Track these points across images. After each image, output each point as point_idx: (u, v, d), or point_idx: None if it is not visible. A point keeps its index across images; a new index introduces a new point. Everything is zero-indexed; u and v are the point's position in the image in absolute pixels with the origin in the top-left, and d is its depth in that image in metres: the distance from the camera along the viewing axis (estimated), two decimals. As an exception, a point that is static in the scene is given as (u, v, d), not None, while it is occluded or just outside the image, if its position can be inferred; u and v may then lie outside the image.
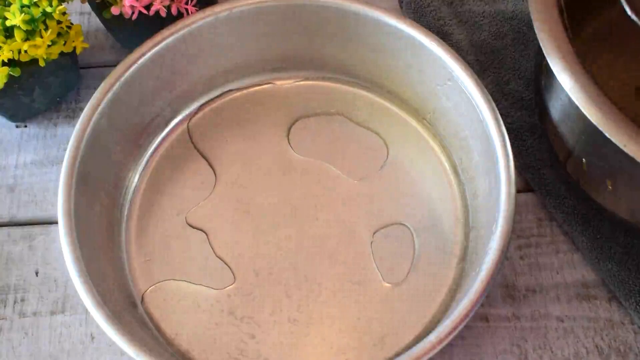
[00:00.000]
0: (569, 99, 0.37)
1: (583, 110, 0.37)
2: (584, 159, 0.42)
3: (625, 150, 0.35)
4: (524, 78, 0.52)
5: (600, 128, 0.36)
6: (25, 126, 0.52)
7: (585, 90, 0.37)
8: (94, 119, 0.43)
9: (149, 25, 0.47)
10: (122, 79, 0.45)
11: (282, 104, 0.51)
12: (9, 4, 0.44)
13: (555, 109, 0.43)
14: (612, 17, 0.50)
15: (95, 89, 0.44)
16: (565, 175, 0.47)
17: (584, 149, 0.42)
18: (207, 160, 0.49)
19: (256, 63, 0.51)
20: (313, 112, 0.51)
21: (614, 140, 0.36)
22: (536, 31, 0.40)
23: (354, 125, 0.50)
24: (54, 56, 0.46)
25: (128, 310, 0.42)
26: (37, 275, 0.46)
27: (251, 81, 0.52)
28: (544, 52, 0.39)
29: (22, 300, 0.45)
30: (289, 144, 0.49)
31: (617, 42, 0.50)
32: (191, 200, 0.47)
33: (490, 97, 0.43)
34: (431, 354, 0.36)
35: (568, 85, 0.38)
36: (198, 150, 0.49)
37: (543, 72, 0.44)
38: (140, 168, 0.48)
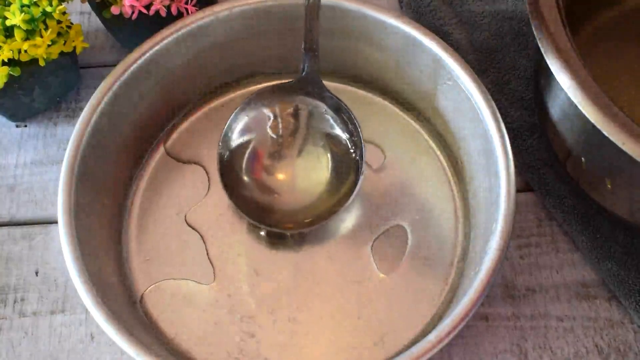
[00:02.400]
0: (568, 98, 0.38)
1: (582, 109, 0.37)
2: (583, 158, 0.42)
3: (624, 149, 0.35)
4: (524, 78, 0.52)
5: (599, 127, 0.36)
6: (25, 126, 0.52)
7: (584, 89, 0.37)
8: (93, 118, 0.43)
9: (149, 25, 0.47)
10: (122, 78, 0.45)
11: (282, 103, 0.51)
12: (9, 4, 0.44)
13: (555, 108, 0.43)
14: (613, 16, 0.51)
15: (95, 88, 0.44)
16: (564, 175, 0.47)
17: (583, 148, 0.42)
18: (206, 160, 0.49)
19: (256, 62, 0.51)
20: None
21: (613, 139, 0.36)
22: (534, 29, 0.40)
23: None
24: (54, 56, 0.46)
25: (128, 309, 0.42)
26: (37, 275, 0.46)
27: (251, 80, 0.52)
28: (542, 50, 0.39)
29: (22, 299, 0.46)
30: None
31: (618, 41, 0.50)
32: (191, 200, 0.47)
33: (490, 97, 0.43)
34: (431, 354, 0.36)
35: (567, 84, 0.38)
36: (198, 150, 0.49)
37: (542, 71, 0.44)
38: (140, 167, 0.48)
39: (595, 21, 0.50)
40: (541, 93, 0.45)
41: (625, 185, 0.41)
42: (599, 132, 0.36)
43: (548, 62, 0.39)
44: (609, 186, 0.41)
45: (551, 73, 0.38)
